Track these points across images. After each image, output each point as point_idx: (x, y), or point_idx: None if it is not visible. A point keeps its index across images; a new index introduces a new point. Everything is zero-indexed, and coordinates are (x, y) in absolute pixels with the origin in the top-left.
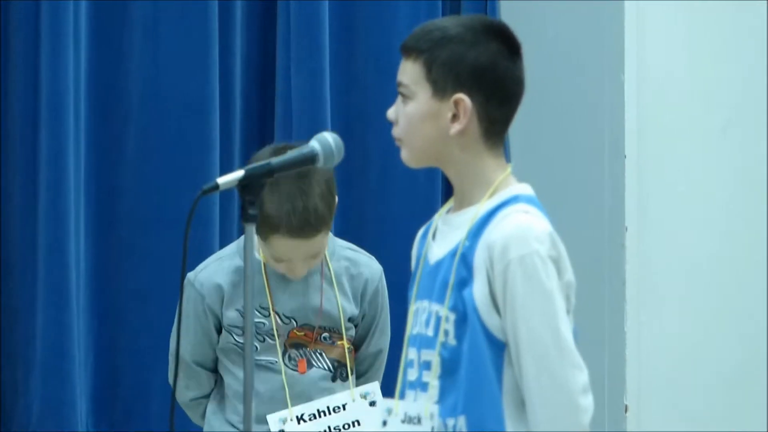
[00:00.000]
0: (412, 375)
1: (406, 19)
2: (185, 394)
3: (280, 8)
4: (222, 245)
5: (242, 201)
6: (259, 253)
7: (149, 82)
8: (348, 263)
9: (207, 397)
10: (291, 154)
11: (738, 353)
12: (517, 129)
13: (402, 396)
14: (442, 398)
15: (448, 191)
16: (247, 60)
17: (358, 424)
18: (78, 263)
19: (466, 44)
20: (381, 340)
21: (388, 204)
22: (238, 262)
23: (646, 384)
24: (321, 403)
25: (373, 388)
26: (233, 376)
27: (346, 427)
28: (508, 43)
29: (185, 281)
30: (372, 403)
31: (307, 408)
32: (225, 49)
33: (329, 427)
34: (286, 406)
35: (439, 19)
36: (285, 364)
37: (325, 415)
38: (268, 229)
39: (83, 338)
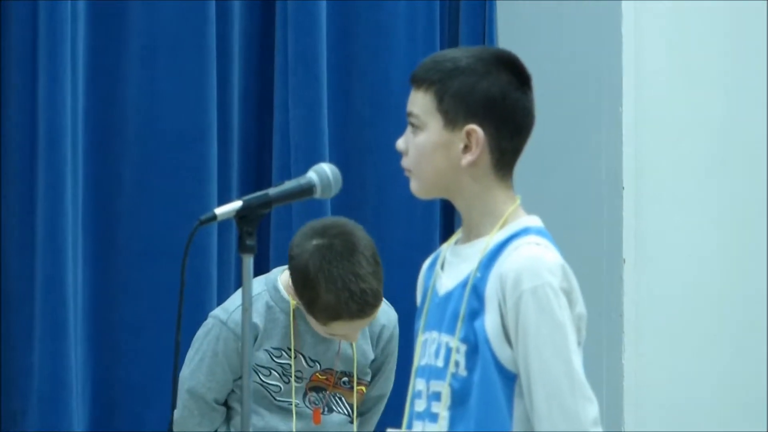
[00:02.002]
0: (420, 406)
1: (404, 52)
2: (197, 430)
3: (278, 39)
4: (220, 276)
5: (240, 232)
6: (288, 295)
7: (147, 113)
8: None
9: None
10: (288, 184)
11: (738, 386)
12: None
13: (409, 427)
14: (451, 429)
15: (445, 223)
16: (245, 91)
17: None
18: (75, 294)
19: (477, 75)
20: (385, 385)
21: (385, 236)
22: (268, 299)
23: (644, 417)
24: None
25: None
26: (253, 426)
27: None
28: (518, 75)
29: (213, 320)
30: None
31: None
32: (223, 80)
33: None
34: None
35: (449, 50)
36: (306, 406)
37: None
38: (329, 317)
39: (81, 369)
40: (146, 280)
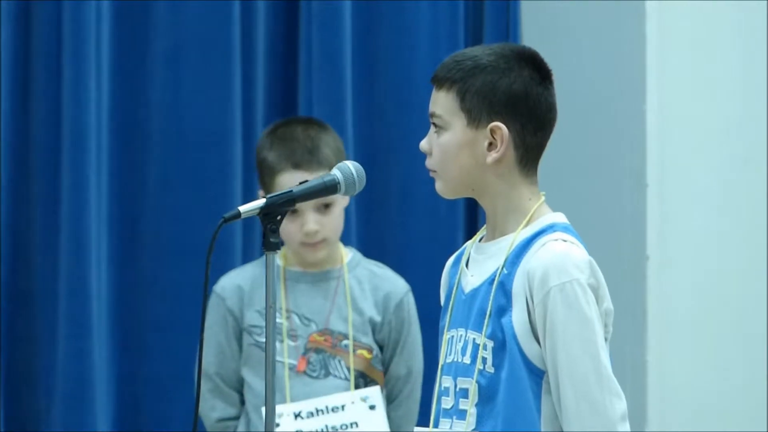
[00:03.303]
0: (447, 403)
1: (428, 50)
2: (210, 415)
3: (302, 38)
4: None
5: (264, 229)
6: (279, 258)
7: (171, 112)
8: (372, 274)
9: (234, 419)
10: (312, 182)
11: (764, 384)
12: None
13: (436, 424)
14: (479, 425)
15: (469, 220)
16: (269, 90)
17: (356, 426)
18: (99, 293)
19: (498, 72)
20: (411, 361)
21: (409, 233)
22: (261, 269)
23: (668, 414)
24: (320, 402)
25: (374, 392)
26: (252, 392)
27: (344, 427)
28: (539, 70)
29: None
30: (372, 407)
31: (305, 405)
32: (247, 80)
33: (326, 426)
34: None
35: (468, 48)
36: (305, 370)
37: (323, 413)
38: (270, 172)
39: (105, 367)
40: (170, 278)
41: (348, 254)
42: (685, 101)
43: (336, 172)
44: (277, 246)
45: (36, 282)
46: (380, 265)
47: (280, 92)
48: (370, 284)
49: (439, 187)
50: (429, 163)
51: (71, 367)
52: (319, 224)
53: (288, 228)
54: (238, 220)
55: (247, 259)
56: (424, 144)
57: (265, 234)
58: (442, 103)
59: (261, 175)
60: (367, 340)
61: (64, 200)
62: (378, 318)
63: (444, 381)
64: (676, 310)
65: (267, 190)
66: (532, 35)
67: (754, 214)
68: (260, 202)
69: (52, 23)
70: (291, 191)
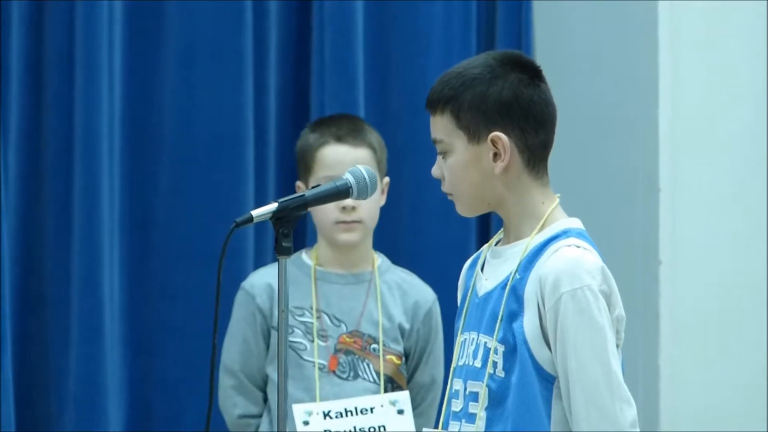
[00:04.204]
0: (457, 406)
1: (441, 54)
2: (232, 412)
3: (315, 42)
4: None
5: (276, 233)
6: (309, 257)
7: (183, 116)
8: (401, 280)
9: (256, 417)
10: (324, 186)
11: None
12: (549, 162)
13: (446, 426)
14: (489, 429)
15: (482, 226)
16: (281, 94)
17: (384, 429)
18: (112, 296)
19: (486, 83)
20: (436, 370)
21: (422, 238)
22: (291, 268)
23: (680, 419)
24: (349, 403)
25: (403, 397)
26: (277, 390)
27: (372, 430)
28: (526, 70)
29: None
30: (400, 411)
31: (335, 405)
32: (259, 83)
33: (354, 428)
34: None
35: (453, 67)
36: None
37: (352, 414)
38: (312, 149)
39: (117, 371)
40: (183, 283)
41: (378, 259)
42: (697, 105)
43: (348, 176)
44: (289, 251)
45: (48, 285)
46: (408, 272)
47: (292, 96)
48: (400, 290)
49: (459, 208)
50: (444, 187)
51: (84, 370)
52: (357, 204)
53: (323, 208)
54: (250, 224)
55: (259, 263)
56: (435, 171)
57: (278, 238)
58: (440, 126)
59: (301, 162)
60: (396, 345)
61: (76, 204)
62: (407, 325)
63: (455, 384)
64: (688, 314)
65: (307, 174)
66: (544, 38)
67: (766, 218)
68: (272, 206)
69: (64, 26)
70: (303, 195)
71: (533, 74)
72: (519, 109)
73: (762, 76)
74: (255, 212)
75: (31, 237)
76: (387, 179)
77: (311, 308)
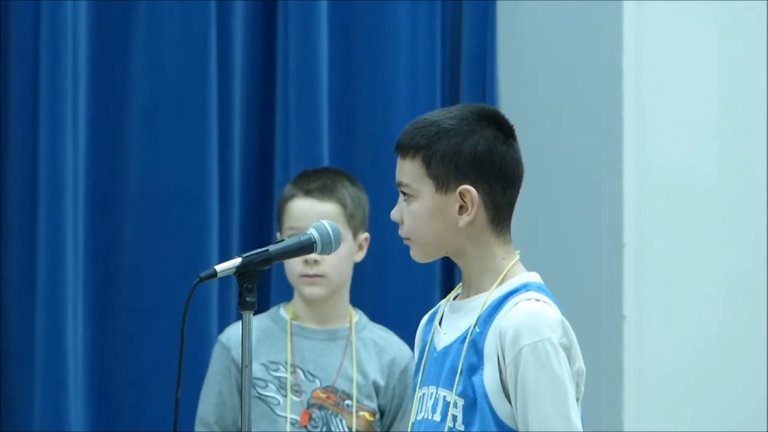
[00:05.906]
0: None
1: (406, 108)
2: None
3: (279, 95)
4: (220, 332)
5: (240, 288)
6: (286, 311)
7: (148, 169)
8: (378, 338)
9: None
10: (288, 241)
11: None
12: (513, 216)
13: None
14: None
15: (445, 277)
16: (246, 147)
17: None
18: (76, 351)
19: (461, 135)
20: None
21: (385, 291)
22: (268, 322)
23: None
24: None
25: None
26: None
27: None
28: (501, 128)
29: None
30: None
31: None
32: (224, 136)
33: None
34: None
35: (428, 114)
36: (307, 427)
37: None
38: (284, 200)
39: (81, 426)
40: (147, 336)
41: (355, 315)
42: (662, 161)
43: (312, 231)
44: (253, 305)
45: (12, 338)
46: (386, 329)
47: (256, 149)
48: (376, 348)
49: (414, 253)
50: (402, 231)
51: (47, 424)
52: (321, 258)
53: (289, 262)
54: (214, 279)
55: (223, 317)
56: (395, 214)
57: (242, 293)
58: (409, 171)
59: (278, 213)
60: (370, 402)
61: (40, 257)
62: (382, 382)
63: None
64: (652, 369)
65: (280, 225)
66: (508, 94)
67: (732, 274)
68: (236, 261)
69: (28, 79)
70: (267, 250)
71: (508, 133)
72: (492, 166)
73: (729, 134)
74: (219, 267)
75: None
76: (366, 235)
77: (286, 363)
